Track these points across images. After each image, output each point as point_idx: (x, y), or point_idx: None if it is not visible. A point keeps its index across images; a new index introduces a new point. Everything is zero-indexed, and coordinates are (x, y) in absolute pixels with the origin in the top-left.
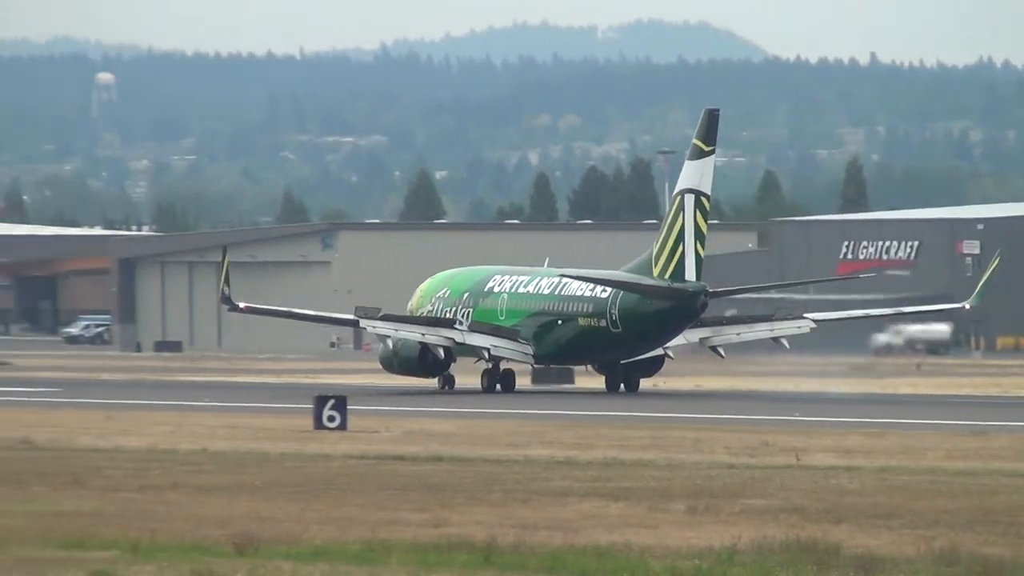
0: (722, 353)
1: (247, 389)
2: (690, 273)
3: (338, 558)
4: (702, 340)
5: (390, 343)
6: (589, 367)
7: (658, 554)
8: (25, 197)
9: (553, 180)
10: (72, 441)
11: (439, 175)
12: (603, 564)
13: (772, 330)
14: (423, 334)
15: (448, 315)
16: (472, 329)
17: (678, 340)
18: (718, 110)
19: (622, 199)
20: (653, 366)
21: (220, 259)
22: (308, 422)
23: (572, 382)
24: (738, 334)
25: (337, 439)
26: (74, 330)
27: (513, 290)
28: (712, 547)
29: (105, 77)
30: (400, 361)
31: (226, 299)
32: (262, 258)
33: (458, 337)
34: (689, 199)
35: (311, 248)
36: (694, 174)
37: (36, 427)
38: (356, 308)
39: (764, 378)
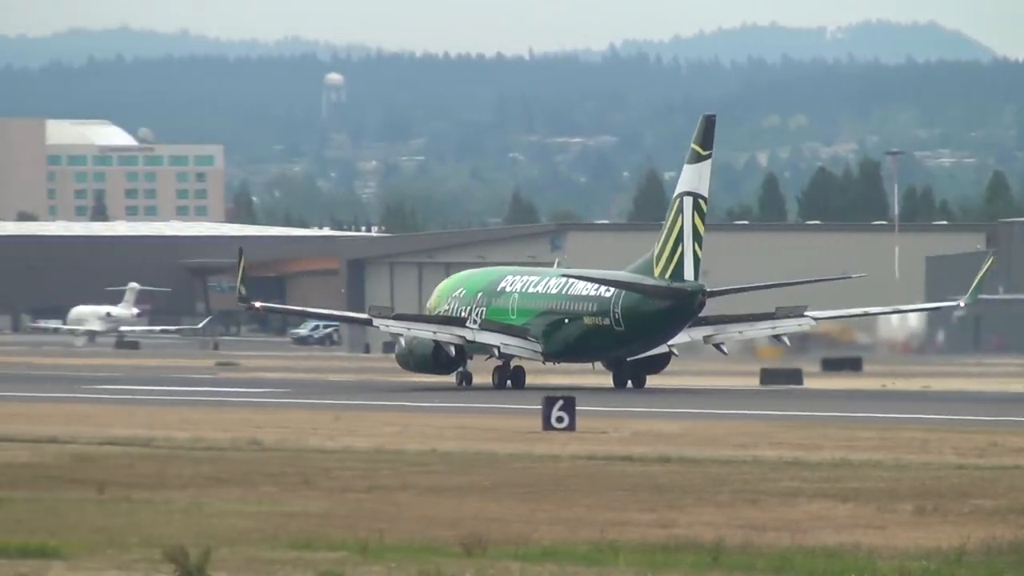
0: (724, 350)
1: (476, 390)
2: (688, 273)
3: (566, 559)
4: (705, 338)
5: (402, 341)
6: (596, 365)
7: (886, 555)
8: (254, 198)
9: (782, 181)
10: (301, 442)
11: (667, 175)
12: (831, 565)
13: (774, 328)
14: (434, 332)
15: (463, 314)
16: (483, 327)
17: (682, 338)
18: (714, 116)
19: (851, 200)
20: (659, 363)
21: (450, 260)
22: (536, 423)
23: (801, 383)
24: (740, 332)
25: (565, 440)
26: (303, 331)
27: (523, 290)
28: (940, 548)
29: (334, 78)
30: (415, 359)
31: (243, 298)
32: (491, 259)
33: (469, 335)
34: (688, 201)
35: (539, 249)
36: (692, 177)
37: (265, 428)
38: (369, 308)
39: (992, 379)
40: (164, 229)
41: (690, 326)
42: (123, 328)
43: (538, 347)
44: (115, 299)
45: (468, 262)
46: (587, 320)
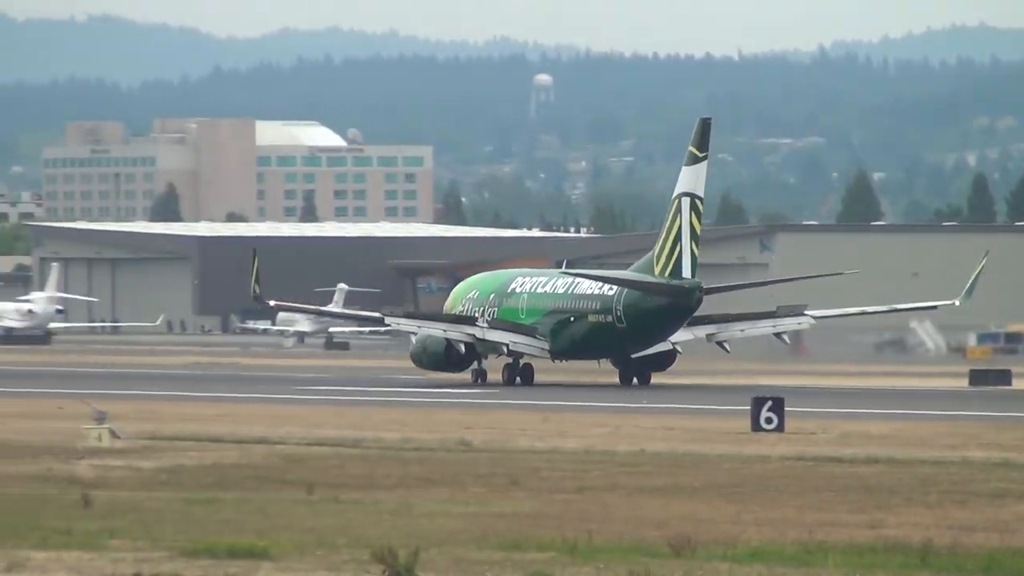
0: (727, 348)
1: (683, 391)
2: (687, 271)
3: (774, 560)
4: (709, 336)
5: (413, 339)
6: (601, 362)
7: None
8: (463, 199)
9: (991, 182)
10: (509, 443)
11: (876, 176)
12: None
13: (775, 327)
14: (444, 330)
15: (477, 315)
16: (492, 326)
17: (686, 336)
18: (710, 119)
19: None
20: (664, 361)
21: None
22: (745, 424)
23: (1009, 383)
24: (742, 330)
25: (774, 441)
26: None
27: (532, 290)
28: None
29: (543, 79)
30: (428, 357)
31: (257, 297)
32: (701, 260)
33: (479, 333)
34: (685, 202)
35: (749, 250)
36: (690, 178)
37: (474, 428)
38: (382, 307)
39: None
40: (373, 230)
41: (694, 325)
42: (332, 329)
43: (545, 345)
44: (324, 300)
45: None
46: (591, 318)
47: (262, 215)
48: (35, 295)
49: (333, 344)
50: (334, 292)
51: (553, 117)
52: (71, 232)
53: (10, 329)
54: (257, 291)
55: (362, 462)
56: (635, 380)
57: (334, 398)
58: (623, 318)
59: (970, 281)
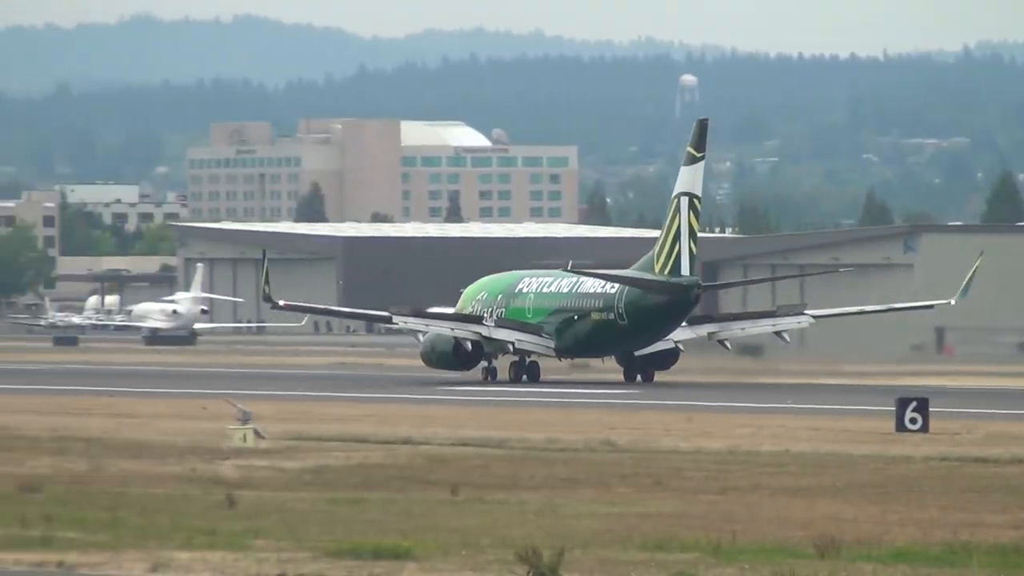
0: (728, 346)
1: (828, 391)
2: (685, 268)
3: (919, 560)
4: (710, 334)
5: (420, 337)
6: (605, 360)
7: None
8: (608, 199)
9: None
10: (653, 443)
11: (1022, 177)
12: None
13: (775, 325)
14: (452, 329)
15: (486, 315)
16: (499, 325)
17: (688, 334)
18: (707, 120)
19: None
20: (669, 359)
21: (803, 261)
22: (889, 424)
23: None
24: (743, 329)
25: (919, 441)
26: None
27: (538, 290)
28: None
29: (688, 79)
30: (436, 356)
31: (267, 297)
32: (845, 260)
33: (485, 332)
34: (684, 201)
35: (893, 250)
36: (688, 179)
37: (618, 429)
38: (389, 305)
39: None
40: (518, 230)
41: (696, 324)
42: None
43: (550, 343)
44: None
45: (821, 263)
46: (594, 316)
47: (407, 215)
48: (180, 296)
49: None
50: None
51: (698, 117)
52: (216, 232)
53: (155, 330)
54: (267, 291)
55: (507, 462)
56: (639, 378)
57: (479, 399)
58: (625, 315)
59: (966, 280)
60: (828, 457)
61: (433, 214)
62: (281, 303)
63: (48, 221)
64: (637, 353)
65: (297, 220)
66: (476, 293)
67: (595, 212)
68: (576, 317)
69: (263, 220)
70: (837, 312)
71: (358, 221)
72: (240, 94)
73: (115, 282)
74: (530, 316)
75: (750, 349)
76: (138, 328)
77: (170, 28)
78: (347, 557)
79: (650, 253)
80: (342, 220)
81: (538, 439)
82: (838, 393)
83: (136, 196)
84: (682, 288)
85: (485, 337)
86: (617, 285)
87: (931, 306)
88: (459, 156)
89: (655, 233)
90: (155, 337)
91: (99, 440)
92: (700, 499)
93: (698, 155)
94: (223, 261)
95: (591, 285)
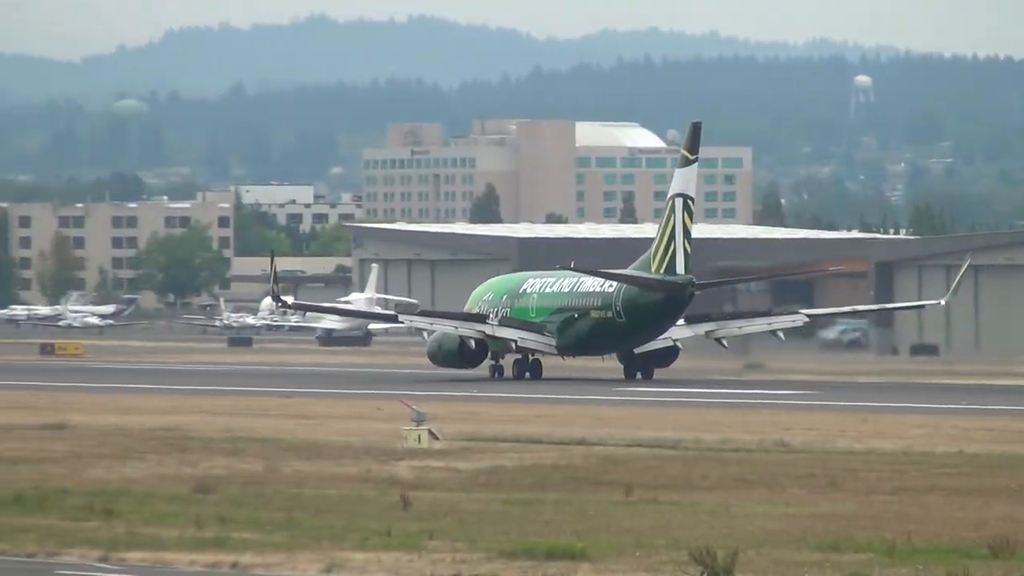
0: (725, 344)
1: (1004, 392)
2: (680, 267)
3: None
4: (708, 333)
5: (425, 335)
6: (605, 357)
7: None
8: (782, 200)
9: None
10: (828, 444)
11: None
12: None
13: (770, 324)
14: (456, 328)
15: (492, 314)
16: (502, 324)
17: (686, 333)
18: (700, 123)
19: None
20: (668, 357)
21: (978, 263)
22: None
23: None
24: (739, 327)
25: None
26: (830, 334)
27: (541, 291)
28: None
29: (863, 80)
30: (443, 354)
31: (275, 297)
32: (1019, 261)
33: (488, 330)
34: (679, 202)
35: None
36: (682, 180)
37: (792, 430)
38: (396, 305)
39: None
40: (692, 231)
41: (695, 322)
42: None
43: (552, 341)
44: None
45: (995, 265)
46: (594, 314)
47: (581, 216)
48: (354, 296)
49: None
50: None
51: (872, 118)
52: (391, 233)
53: (330, 330)
54: (276, 291)
55: (681, 463)
56: (639, 375)
57: (653, 399)
58: (622, 313)
59: (955, 282)
60: (1003, 458)
61: (607, 215)
62: (290, 302)
63: (223, 222)
64: (637, 351)
65: (471, 221)
66: (483, 293)
67: (769, 213)
68: (576, 316)
69: (437, 221)
70: (830, 311)
71: (532, 222)
72: (414, 94)
73: (289, 283)
74: (533, 315)
75: (925, 349)
76: (312, 329)
77: (345, 29)
78: (521, 558)
79: (646, 253)
80: (516, 221)
81: (712, 440)
82: (1014, 394)
83: (311, 197)
84: (677, 286)
85: (489, 336)
86: (615, 284)
87: (922, 306)
88: (634, 157)
89: (830, 234)
90: (330, 338)
91: (274, 441)
92: (874, 500)
93: (691, 157)
94: (398, 262)
95: (591, 285)
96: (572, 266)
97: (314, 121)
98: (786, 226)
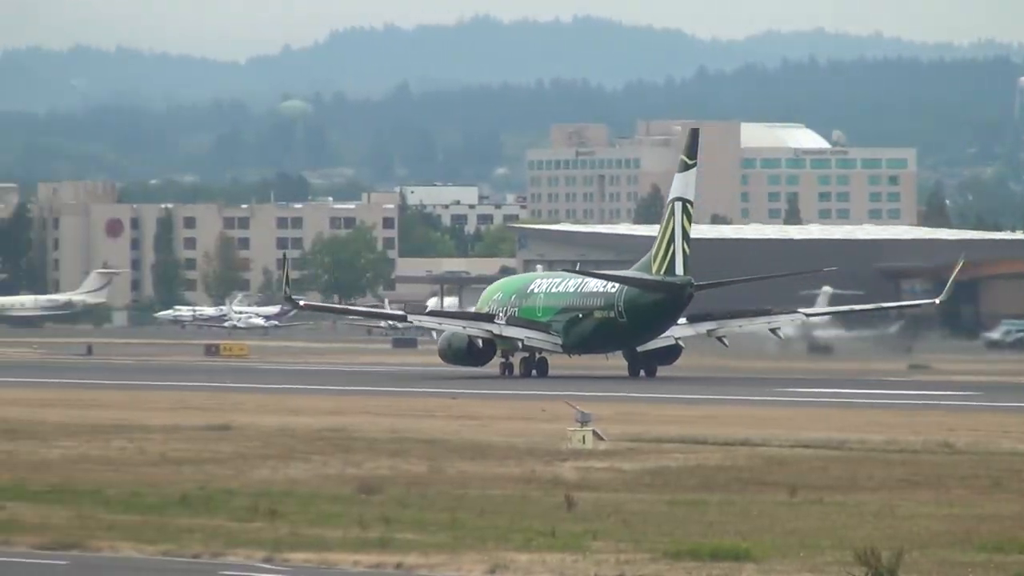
0: (726, 343)
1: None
2: (679, 268)
3: None
4: (709, 332)
5: (434, 334)
6: (609, 356)
7: None
8: (947, 201)
9: None
10: (992, 444)
11: None
12: None
13: (770, 323)
14: (464, 327)
15: (500, 314)
16: (509, 323)
17: (688, 331)
18: (698, 129)
19: None
20: (671, 355)
21: None
22: None
23: None
24: (740, 326)
25: None
26: (995, 335)
27: (548, 291)
28: None
29: None
30: (452, 352)
31: (287, 297)
32: None
33: (495, 329)
34: (678, 206)
35: None
36: (681, 184)
37: (957, 430)
38: (404, 304)
39: None
40: (857, 232)
41: (696, 321)
42: (816, 333)
43: (557, 340)
44: (808, 302)
45: None
46: (597, 314)
47: (745, 217)
48: None
49: (817, 347)
50: (818, 295)
51: None
52: (556, 234)
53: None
54: (288, 292)
55: (845, 464)
56: (642, 372)
57: (816, 400)
58: (624, 313)
59: (949, 282)
60: None
61: (771, 216)
62: (301, 303)
63: (387, 223)
64: (639, 349)
65: (636, 221)
66: (493, 294)
67: (934, 214)
68: (581, 315)
69: (602, 221)
70: (828, 311)
71: (697, 223)
72: (578, 95)
73: (454, 284)
74: (540, 315)
75: None
76: None
77: (509, 29)
78: (686, 558)
79: (647, 255)
80: None
81: (877, 440)
82: None
83: (475, 197)
84: (676, 287)
85: (496, 335)
86: (617, 285)
87: (918, 305)
88: (798, 158)
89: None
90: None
91: (439, 441)
92: None
93: (690, 162)
94: (563, 263)
95: (594, 285)
96: (576, 268)
97: (478, 121)
98: (951, 227)
